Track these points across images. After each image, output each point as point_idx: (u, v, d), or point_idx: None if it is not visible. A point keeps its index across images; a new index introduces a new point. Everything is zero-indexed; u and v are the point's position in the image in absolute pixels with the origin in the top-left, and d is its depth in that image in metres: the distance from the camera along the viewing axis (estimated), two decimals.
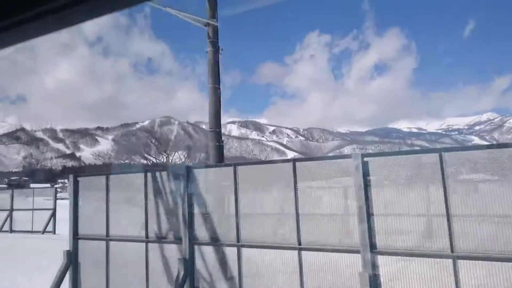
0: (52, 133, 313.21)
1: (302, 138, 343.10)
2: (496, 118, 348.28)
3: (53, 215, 21.19)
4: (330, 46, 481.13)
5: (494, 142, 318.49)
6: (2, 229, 22.96)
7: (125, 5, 1.01)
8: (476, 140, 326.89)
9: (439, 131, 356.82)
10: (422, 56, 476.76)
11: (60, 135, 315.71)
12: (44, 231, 20.95)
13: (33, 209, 22.32)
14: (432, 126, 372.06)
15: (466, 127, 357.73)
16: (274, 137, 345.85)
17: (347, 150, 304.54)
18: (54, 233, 20.58)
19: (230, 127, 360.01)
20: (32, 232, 21.71)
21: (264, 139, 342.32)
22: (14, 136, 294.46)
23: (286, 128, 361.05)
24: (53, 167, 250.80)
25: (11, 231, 22.59)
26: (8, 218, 23.00)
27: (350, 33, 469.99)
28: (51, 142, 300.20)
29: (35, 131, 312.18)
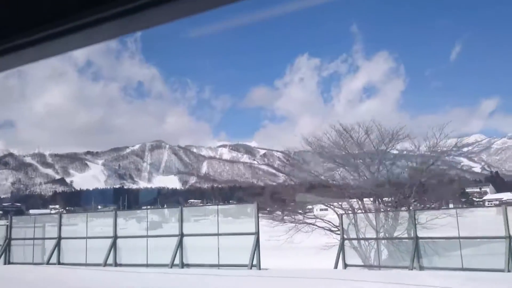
0: (41, 158, 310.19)
1: (294, 161, 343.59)
2: (484, 139, 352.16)
3: (257, 243, 15.23)
4: (319, 69, 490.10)
5: (483, 163, 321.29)
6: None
7: (121, 32, 1.00)
8: (465, 162, 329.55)
9: (428, 153, 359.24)
10: (410, 79, 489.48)
11: (49, 160, 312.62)
12: (251, 266, 14.90)
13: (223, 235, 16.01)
14: (421, 148, 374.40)
15: (454, 149, 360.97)
16: (265, 160, 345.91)
17: (338, 172, 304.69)
18: (259, 268, 15.02)
19: (221, 151, 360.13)
20: (218, 266, 15.42)
21: (256, 162, 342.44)
22: (2, 162, 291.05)
23: (277, 151, 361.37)
24: (42, 193, 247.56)
25: (182, 265, 16.22)
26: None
27: (339, 56, 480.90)
28: (40, 167, 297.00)
29: (24, 156, 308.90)
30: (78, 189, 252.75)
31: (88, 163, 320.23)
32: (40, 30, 0.99)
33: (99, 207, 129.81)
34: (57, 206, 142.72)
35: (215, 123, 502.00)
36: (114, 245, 17.70)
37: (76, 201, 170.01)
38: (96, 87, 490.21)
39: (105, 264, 17.43)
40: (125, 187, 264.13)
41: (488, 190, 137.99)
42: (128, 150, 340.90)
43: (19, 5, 1.02)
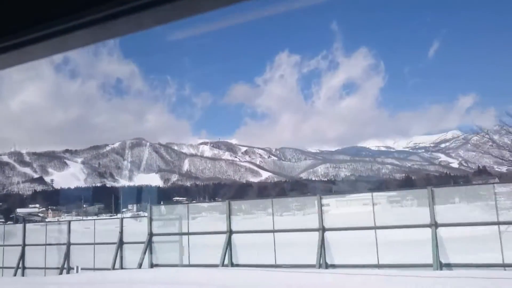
0: (18, 156, 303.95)
1: (275, 158, 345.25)
2: (461, 135, 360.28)
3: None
4: (299, 66, 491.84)
5: (460, 159, 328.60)
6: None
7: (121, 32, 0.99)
8: (442, 158, 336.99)
9: (407, 149, 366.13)
10: (389, 76, 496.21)
11: (27, 158, 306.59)
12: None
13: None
14: (400, 144, 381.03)
15: (432, 145, 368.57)
16: (247, 158, 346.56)
17: (320, 169, 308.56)
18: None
19: (203, 148, 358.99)
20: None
21: (237, 159, 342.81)
22: None
23: (259, 148, 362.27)
24: (20, 192, 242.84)
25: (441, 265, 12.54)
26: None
27: (320, 53, 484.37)
28: (17, 166, 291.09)
29: (0, 155, 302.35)
30: (58, 187, 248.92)
31: (67, 161, 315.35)
32: (46, 27, 0.99)
33: (84, 206, 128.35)
34: (37, 205, 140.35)
35: (196, 120, 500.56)
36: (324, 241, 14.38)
37: (57, 199, 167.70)
38: (73, 84, 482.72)
39: (320, 266, 13.91)
40: (107, 185, 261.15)
41: None
42: (108, 148, 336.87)
43: (24, 1, 1.02)
